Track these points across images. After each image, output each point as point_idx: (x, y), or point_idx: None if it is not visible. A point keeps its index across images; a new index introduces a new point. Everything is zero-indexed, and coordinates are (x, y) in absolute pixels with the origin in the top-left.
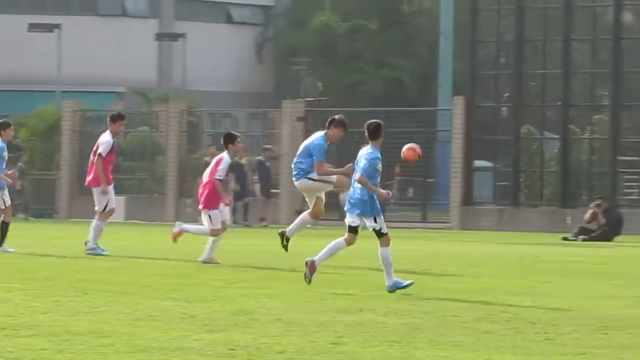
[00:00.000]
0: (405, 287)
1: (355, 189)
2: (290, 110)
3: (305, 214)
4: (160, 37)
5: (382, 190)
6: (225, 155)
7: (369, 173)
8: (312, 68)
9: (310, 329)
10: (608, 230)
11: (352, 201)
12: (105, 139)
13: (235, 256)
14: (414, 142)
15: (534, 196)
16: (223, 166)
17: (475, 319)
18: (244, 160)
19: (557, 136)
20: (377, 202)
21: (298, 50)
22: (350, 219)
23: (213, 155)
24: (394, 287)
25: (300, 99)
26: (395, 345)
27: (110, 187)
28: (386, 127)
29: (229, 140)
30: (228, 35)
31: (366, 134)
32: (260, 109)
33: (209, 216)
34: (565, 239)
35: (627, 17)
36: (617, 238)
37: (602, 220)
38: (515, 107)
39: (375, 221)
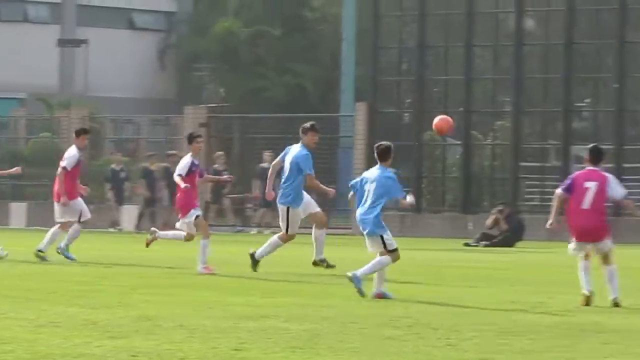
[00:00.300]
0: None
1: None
2: (192, 116)
3: (275, 237)
4: (62, 43)
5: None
6: (185, 157)
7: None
8: (214, 74)
9: (212, 335)
10: (509, 236)
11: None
12: (71, 154)
13: (141, 262)
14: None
15: (436, 202)
16: (180, 165)
17: (377, 325)
18: (154, 167)
19: (459, 142)
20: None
21: (200, 56)
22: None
23: (119, 162)
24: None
25: (203, 105)
26: (298, 352)
27: (80, 199)
28: (288, 133)
29: (189, 140)
30: (130, 41)
31: (375, 155)
32: (162, 115)
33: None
34: (467, 244)
35: (529, 23)
36: (519, 244)
37: (503, 226)
38: (417, 113)
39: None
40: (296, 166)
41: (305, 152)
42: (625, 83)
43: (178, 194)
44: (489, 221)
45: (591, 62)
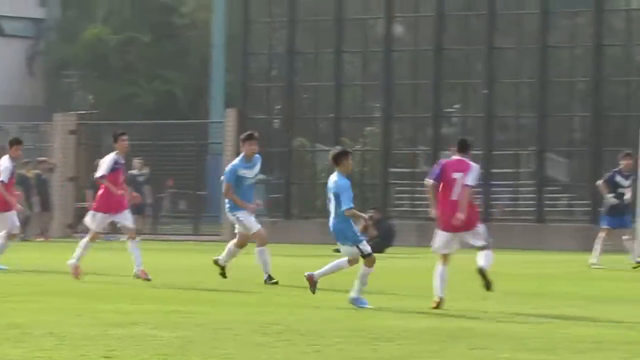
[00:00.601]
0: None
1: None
2: (62, 124)
3: (231, 244)
4: None
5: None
6: (109, 155)
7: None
8: (83, 81)
9: (81, 342)
10: (379, 241)
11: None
12: (4, 165)
13: (11, 269)
14: (188, 156)
15: (307, 208)
16: (102, 166)
17: (248, 331)
18: (29, 174)
19: (329, 148)
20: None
21: (69, 63)
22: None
23: None
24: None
25: (72, 112)
26: (169, 359)
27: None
28: (158, 140)
29: (114, 139)
30: None
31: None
32: (31, 122)
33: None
34: (336, 250)
35: (398, 29)
36: (389, 250)
37: (373, 232)
38: (287, 119)
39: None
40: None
41: (236, 163)
42: (494, 89)
43: (100, 192)
44: (359, 227)
45: (460, 67)
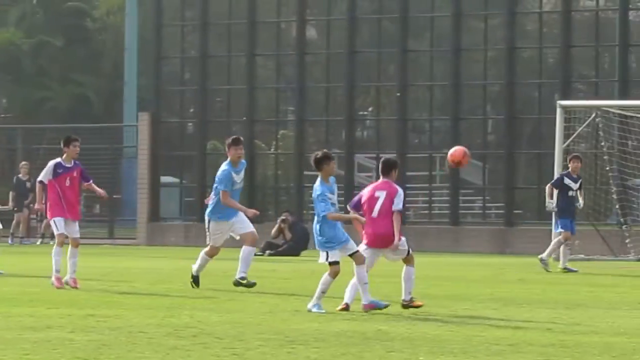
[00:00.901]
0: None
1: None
2: None
3: (203, 252)
4: None
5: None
6: (52, 160)
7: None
8: None
9: None
10: (294, 245)
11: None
12: None
13: None
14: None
15: None
16: (43, 172)
17: (162, 335)
18: None
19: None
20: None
21: None
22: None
23: None
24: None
25: None
26: None
27: None
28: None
29: (66, 143)
30: None
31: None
32: None
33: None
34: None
35: (311, 32)
36: (304, 253)
37: (288, 235)
38: (200, 122)
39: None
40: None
41: (226, 168)
42: (408, 91)
43: (48, 199)
44: (274, 230)
45: (373, 70)
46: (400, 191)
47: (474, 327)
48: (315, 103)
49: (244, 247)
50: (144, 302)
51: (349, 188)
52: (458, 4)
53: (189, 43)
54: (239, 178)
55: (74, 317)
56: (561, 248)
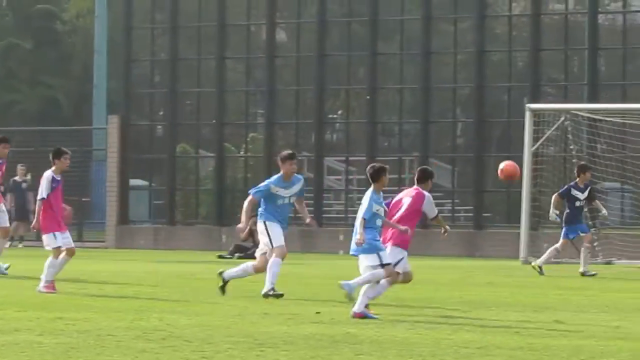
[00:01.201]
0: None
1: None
2: None
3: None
4: None
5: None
6: (46, 173)
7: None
8: None
9: None
10: None
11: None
12: None
13: None
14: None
15: (190, 214)
16: (42, 184)
17: (131, 338)
18: None
19: (212, 154)
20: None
21: None
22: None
23: None
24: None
25: None
26: None
27: None
28: (41, 146)
29: (57, 155)
30: None
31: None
32: None
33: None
34: (221, 257)
35: (281, 35)
36: None
37: (257, 238)
38: (170, 125)
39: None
40: None
41: (271, 179)
42: (377, 95)
43: (42, 213)
44: (243, 233)
45: (343, 73)
46: (429, 196)
47: (443, 330)
48: (285, 106)
49: (272, 258)
50: (113, 305)
51: (318, 191)
52: (428, 7)
53: (159, 46)
54: (287, 192)
55: (42, 320)
56: (582, 253)
